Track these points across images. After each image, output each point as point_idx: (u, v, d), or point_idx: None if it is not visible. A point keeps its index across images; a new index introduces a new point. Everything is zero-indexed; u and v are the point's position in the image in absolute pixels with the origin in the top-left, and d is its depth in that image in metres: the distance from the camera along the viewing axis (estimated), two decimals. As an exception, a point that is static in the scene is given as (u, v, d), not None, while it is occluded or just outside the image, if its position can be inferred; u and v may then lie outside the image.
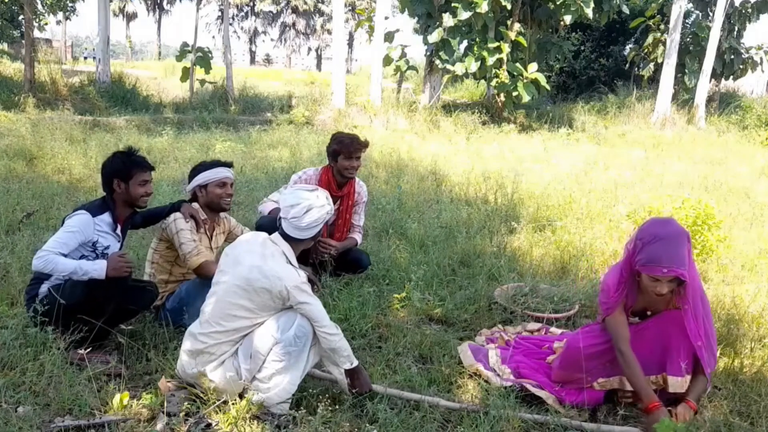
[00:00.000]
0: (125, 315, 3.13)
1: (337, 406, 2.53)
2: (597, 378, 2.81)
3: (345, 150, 4.15)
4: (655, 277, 2.55)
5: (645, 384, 2.66)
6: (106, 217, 3.07)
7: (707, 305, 2.77)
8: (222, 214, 3.63)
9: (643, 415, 2.66)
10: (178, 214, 3.35)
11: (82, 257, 2.96)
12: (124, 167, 3.08)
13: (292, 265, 2.67)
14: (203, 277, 3.22)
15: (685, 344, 2.69)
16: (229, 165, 3.54)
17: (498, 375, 3.01)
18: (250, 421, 2.49)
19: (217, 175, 3.42)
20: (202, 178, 3.44)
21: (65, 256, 2.84)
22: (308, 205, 2.70)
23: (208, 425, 2.49)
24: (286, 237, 2.73)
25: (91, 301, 2.85)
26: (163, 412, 2.50)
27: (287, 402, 2.59)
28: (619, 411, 2.76)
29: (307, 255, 4.07)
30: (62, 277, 2.85)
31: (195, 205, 3.46)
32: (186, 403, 2.55)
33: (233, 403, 2.54)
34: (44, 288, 2.94)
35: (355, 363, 2.65)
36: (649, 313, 2.84)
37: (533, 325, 3.67)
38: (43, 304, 2.80)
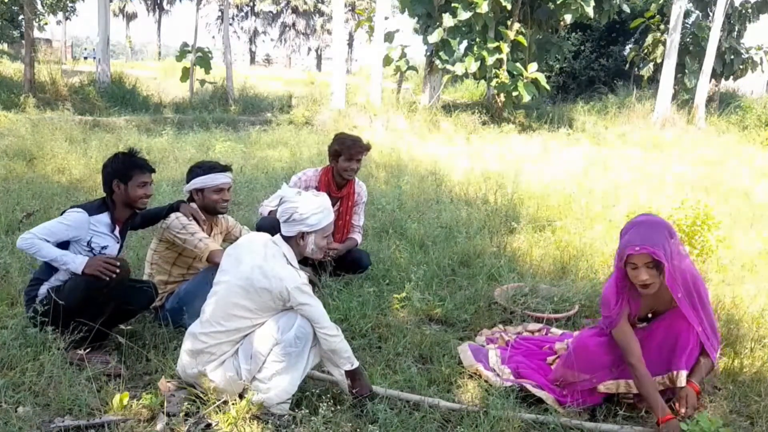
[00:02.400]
0: (124, 315, 3.13)
1: (337, 407, 2.53)
2: (603, 380, 2.78)
3: (346, 151, 4.15)
4: (633, 264, 2.56)
5: (658, 396, 2.61)
6: (103, 217, 3.07)
7: (705, 294, 2.76)
8: (218, 217, 3.64)
9: (653, 424, 2.64)
10: (179, 213, 3.35)
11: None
12: (123, 168, 3.07)
13: (292, 266, 2.67)
14: (216, 265, 3.20)
15: (693, 337, 2.70)
16: (227, 169, 3.51)
17: (498, 375, 3.01)
18: (250, 421, 2.49)
19: (215, 182, 3.41)
20: (199, 182, 3.42)
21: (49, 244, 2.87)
22: (293, 209, 2.69)
23: (208, 425, 2.49)
24: (287, 238, 2.73)
25: (90, 303, 2.86)
26: (163, 412, 2.50)
27: (287, 402, 2.59)
28: (619, 411, 2.76)
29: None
30: (45, 258, 2.87)
31: (193, 205, 3.46)
32: (186, 403, 2.55)
33: (233, 403, 2.54)
34: (43, 289, 2.94)
35: (356, 364, 2.65)
36: (650, 315, 2.84)
37: (534, 326, 3.66)
38: (43, 305, 2.80)
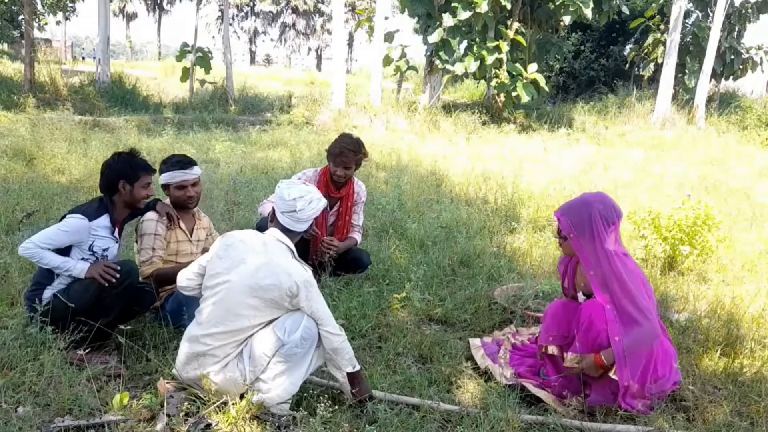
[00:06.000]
0: (127, 316, 3.13)
1: (336, 407, 2.53)
2: (553, 343, 2.96)
3: (331, 158, 4.21)
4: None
5: None
6: (103, 220, 3.07)
7: (630, 282, 2.69)
8: (201, 213, 3.67)
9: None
10: (148, 214, 3.35)
11: (82, 259, 2.97)
12: (130, 169, 3.09)
13: (297, 260, 2.69)
14: (157, 285, 3.21)
15: (599, 322, 2.74)
16: (190, 163, 3.44)
17: (502, 371, 3.03)
18: (250, 421, 2.49)
19: (174, 179, 3.40)
20: (163, 178, 3.44)
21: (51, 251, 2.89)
22: (311, 198, 2.76)
23: (208, 425, 2.49)
24: (285, 231, 2.75)
25: (100, 304, 2.88)
26: (163, 412, 2.50)
27: (287, 402, 2.59)
28: (619, 411, 2.76)
29: (307, 255, 4.07)
30: (47, 266, 2.89)
31: (168, 201, 3.49)
32: (186, 404, 2.55)
33: (233, 404, 2.54)
34: (48, 293, 2.93)
35: (357, 367, 2.65)
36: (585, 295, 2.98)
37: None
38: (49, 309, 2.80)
